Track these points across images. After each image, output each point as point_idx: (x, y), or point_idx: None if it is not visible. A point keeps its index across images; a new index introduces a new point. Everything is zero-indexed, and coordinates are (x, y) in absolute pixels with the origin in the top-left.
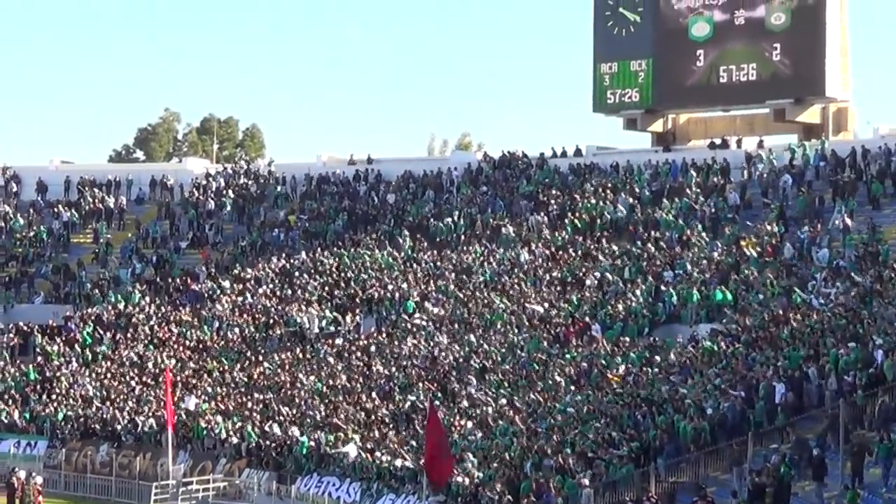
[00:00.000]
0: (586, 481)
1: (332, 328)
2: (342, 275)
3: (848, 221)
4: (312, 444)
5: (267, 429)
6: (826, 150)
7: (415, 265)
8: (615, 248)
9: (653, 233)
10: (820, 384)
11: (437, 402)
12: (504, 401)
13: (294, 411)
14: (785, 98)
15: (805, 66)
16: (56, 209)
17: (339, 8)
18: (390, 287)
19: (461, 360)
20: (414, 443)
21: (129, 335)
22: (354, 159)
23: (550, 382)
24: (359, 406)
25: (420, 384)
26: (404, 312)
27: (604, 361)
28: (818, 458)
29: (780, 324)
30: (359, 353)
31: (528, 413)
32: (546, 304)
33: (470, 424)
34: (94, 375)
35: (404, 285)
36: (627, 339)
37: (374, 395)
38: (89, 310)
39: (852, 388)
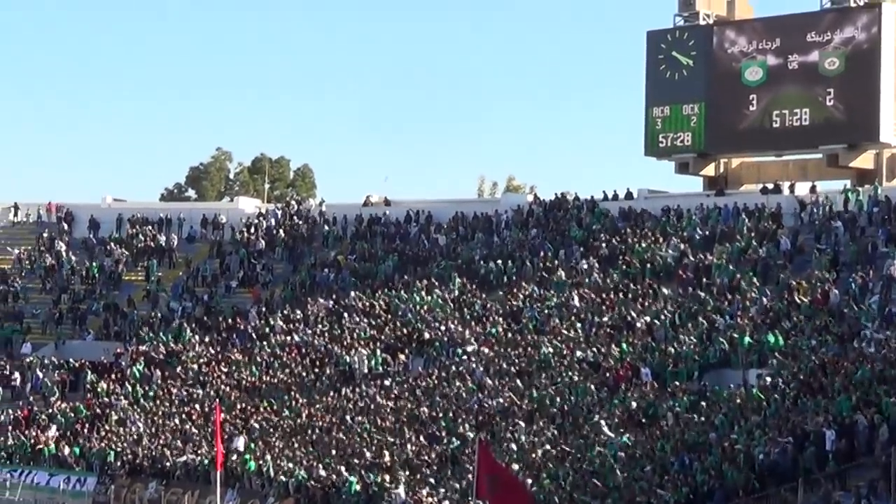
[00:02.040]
0: None
1: (380, 369)
2: (392, 316)
3: None
4: (360, 484)
5: (315, 468)
6: (879, 195)
7: (464, 307)
8: (665, 292)
9: (704, 278)
10: (871, 432)
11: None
12: (550, 445)
13: (342, 451)
14: (838, 143)
15: (859, 111)
16: (108, 247)
17: (393, 51)
18: (440, 329)
19: (509, 403)
20: (457, 485)
21: (178, 373)
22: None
23: (598, 426)
24: (406, 447)
25: (467, 426)
26: (453, 354)
27: (653, 406)
28: None
29: (831, 370)
30: (407, 394)
31: (576, 457)
32: (595, 349)
33: (516, 468)
34: (143, 412)
35: (453, 327)
36: (677, 383)
37: (421, 436)
38: (139, 347)
39: None
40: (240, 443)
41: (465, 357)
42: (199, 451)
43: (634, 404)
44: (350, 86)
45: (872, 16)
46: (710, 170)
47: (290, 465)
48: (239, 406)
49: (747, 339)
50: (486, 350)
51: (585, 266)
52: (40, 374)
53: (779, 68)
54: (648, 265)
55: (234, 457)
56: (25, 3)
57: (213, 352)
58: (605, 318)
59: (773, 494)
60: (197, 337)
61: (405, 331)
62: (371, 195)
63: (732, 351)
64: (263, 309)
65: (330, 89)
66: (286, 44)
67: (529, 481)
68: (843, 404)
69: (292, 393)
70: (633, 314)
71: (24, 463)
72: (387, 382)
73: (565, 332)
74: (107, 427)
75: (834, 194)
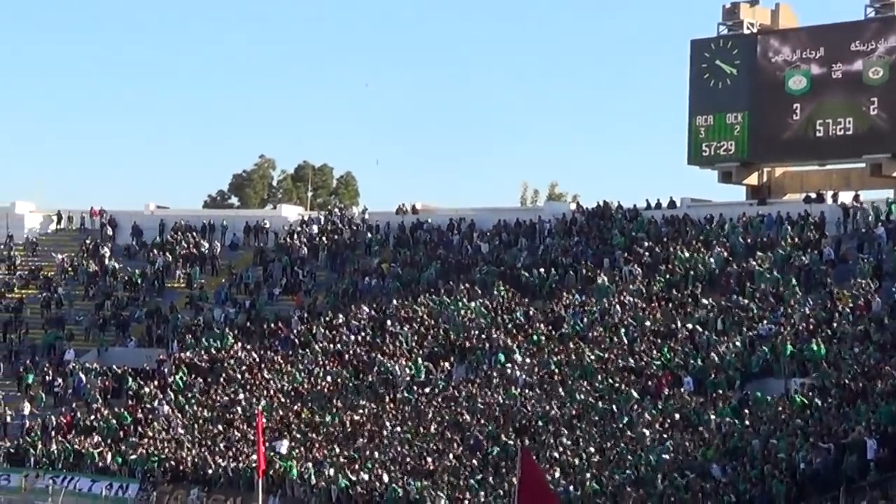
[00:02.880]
0: None
1: (422, 376)
2: (434, 323)
3: None
4: (402, 491)
5: (356, 475)
6: None
7: (506, 315)
8: (708, 300)
9: (747, 285)
10: None
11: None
12: (592, 449)
13: (384, 458)
14: (882, 153)
15: None
16: (151, 253)
17: (435, 58)
18: (482, 336)
19: (551, 410)
20: (501, 491)
21: (220, 380)
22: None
23: (640, 434)
24: (448, 454)
25: (509, 433)
26: (496, 362)
27: (694, 414)
28: None
29: (873, 378)
30: (449, 402)
31: (617, 464)
32: (637, 356)
33: (558, 474)
34: (185, 419)
35: (496, 334)
36: (719, 391)
37: (463, 443)
38: (182, 354)
39: None
40: (283, 446)
41: (507, 364)
42: (240, 458)
43: (676, 412)
44: (393, 93)
45: None
46: (753, 179)
47: (333, 471)
48: (281, 412)
49: (790, 347)
50: (528, 358)
51: (628, 274)
52: (83, 380)
53: (822, 77)
54: (691, 273)
55: (277, 464)
56: (72, 6)
57: (255, 358)
58: (648, 325)
59: (815, 503)
60: (239, 344)
61: (448, 338)
62: (403, 203)
63: (775, 359)
64: (306, 315)
65: (373, 97)
66: (330, 52)
67: (571, 488)
68: (885, 413)
69: (334, 400)
70: (676, 322)
71: (66, 469)
72: (428, 389)
73: (608, 339)
74: (149, 434)
75: (878, 203)
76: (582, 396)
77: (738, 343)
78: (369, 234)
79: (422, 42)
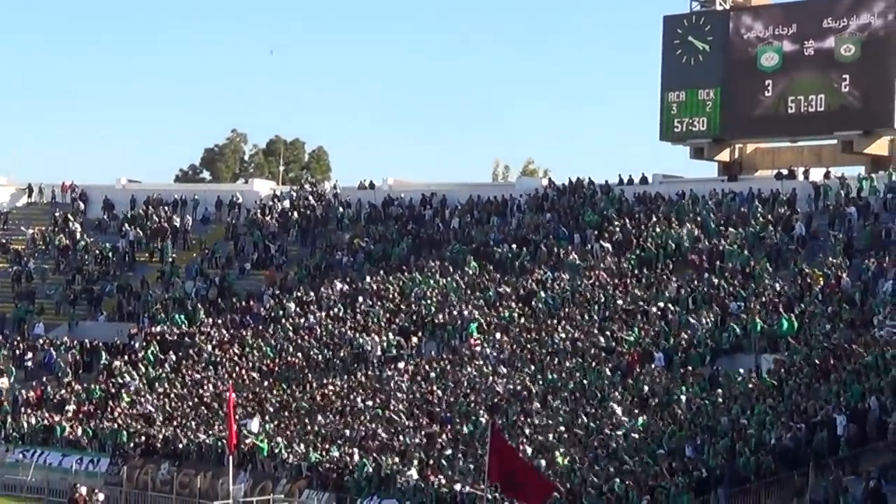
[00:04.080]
0: None
1: (393, 352)
2: (405, 299)
3: None
4: (373, 467)
5: (327, 451)
6: (894, 181)
7: (478, 291)
8: (679, 277)
9: (717, 262)
10: (882, 417)
11: (499, 429)
12: (563, 428)
13: (355, 434)
14: (853, 129)
15: (874, 97)
16: (122, 228)
17: (405, 34)
18: (454, 313)
19: (522, 386)
20: (470, 468)
21: (192, 354)
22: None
23: (611, 410)
24: (419, 430)
25: (480, 409)
26: (466, 338)
27: (665, 390)
28: (875, 490)
29: (843, 356)
30: (420, 379)
31: (588, 440)
32: (608, 333)
33: (529, 451)
34: (156, 394)
35: (467, 311)
36: (690, 367)
37: (434, 419)
38: (153, 329)
39: None
40: (254, 424)
41: (477, 340)
42: (211, 433)
43: (647, 388)
44: (366, 69)
45: (889, 2)
46: (724, 155)
47: (303, 447)
48: (252, 388)
49: (760, 324)
50: (499, 334)
51: (599, 250)
52: (54, 354)
53: (795, 54)
54: (662, 250)
55: (248, 439)
56: None
57: (226, 333)
58: (619, 303)
59: (785, 479)
60: (211, 319)
61: (419, 314)
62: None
63: (745, 336)
64: (277, 291)
65: (346, 72)
66: (302, 26)
67: (543, 462)
68: (855, 390)
69: (306, 375)
70: (647, 299)
71: (37, 443)
72: (400, 365)
73: (579, 316)
74: (120, 408)
75: (849, 180)
76: (553, 373)
77: (708, 320)
78: (341, 210)
79: (397, 18)
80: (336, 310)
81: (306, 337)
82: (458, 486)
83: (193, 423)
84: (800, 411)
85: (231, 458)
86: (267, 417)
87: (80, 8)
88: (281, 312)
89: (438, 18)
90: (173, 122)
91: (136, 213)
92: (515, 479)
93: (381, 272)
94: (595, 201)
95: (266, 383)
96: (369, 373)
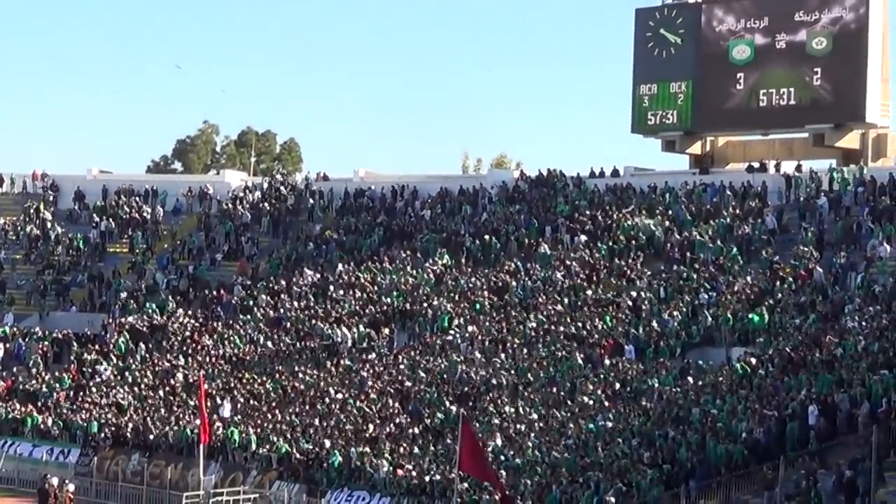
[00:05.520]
0: (612, 500)
1: (364, 343)
2: (377, 290)
3: (887, 247)
4: (343, 457)
5: (299, 442)
6: (865, 175)
7: (450, 282)
8: (650, 269)
9: (689, 254)
10: (852, 409)
11: (469, 419)
12: (535, 417)
13: (326, 425)
14: (824, 123)
15: (845, 91)
16: (93, 218)
17: (379, 26)
18: (424, 303)
19: (493, 377)
20: (443, 458)
21: (163, 345)
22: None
23: (582, 401)
24: (390, 421)
25: (451, 400)
26: (438, 329)
27: (636, 382)
28: (850, 481)
29: (814, 348)
30: (391, 369)
31: (559, 431)
32: (580, 324)
33: (500, 441)
34: (127, 384)
35: (438, 302)
36: (661, 359)
37: (405, 410)
38: (124, 319)
39: (886, 413)
40: (226, 410)
41: (449, 331)
42: (181, 424)
43: (618, 380)
44: (337, 60)
45: None
46: (696, 148)
47: (274, 437)
48: (223, 378)
49: (731, 316)
50: (470, 325)
51: (570, 242)
52: (24, 345)
53: (766, 47)
54: (633, 242)
55: (219, 428)
56: None
57: (197, 324)
58: (590, 294)
59: (755, 471)
60: (181, 309)
61: (390, 305)
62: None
63: (716, 328)
64: (248, 282)
65: (317, 64)
66: (274, 17)
67: (512, 454)
68: (826, 382)
69: (276, 366)
70: (618, 290)
71: (6, 434)
72: (371, 356)
73: (550, 307)
74: (90, 399)
75: (820, 173)
76: (524, 364)
77: (679, 312)
78: (312, 201)
79: (370, 10)
80: (307, 300)
81: (277, 327)
82: (427, 477)
83: (164, 412)
84: (771, 403)
85: (202, 448)
86: (237, 408)
87: None
88: (252, 303)
89: (412, 11)
90: (145, 112)
91: (107, 204)
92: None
93: (353, 263)
94: (566, 193)
95: (237, 373)
96: (340, 363)
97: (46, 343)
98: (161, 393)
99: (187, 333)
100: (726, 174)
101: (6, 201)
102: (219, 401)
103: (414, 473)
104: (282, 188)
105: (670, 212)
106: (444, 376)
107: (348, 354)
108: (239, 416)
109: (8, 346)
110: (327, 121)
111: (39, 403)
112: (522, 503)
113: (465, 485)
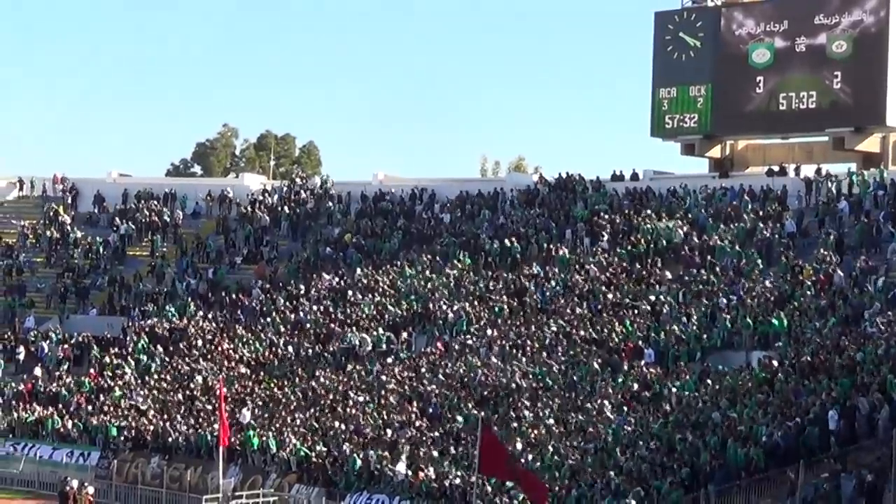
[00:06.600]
0: (632, 503)
1: (384, 347)
2: (395, 293)
3: None
4: (362, 461)
5: (318, 445)
6: (885, 179)
7: (469, 286)
8: (670, 273)
9: (708, 258)
10: (872, 413)
11: (490, 424)
12: (553, 421)
13: (346, 428)
14: (845, 126)
15: (866, 94)
16: (113, 221)
17: (398, 30)
18: (444, 307)
19: (513, 381)
20: (464, 462)
21: (182, 348)
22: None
23: (601, 405)
24: (409, 424)
25: (471, 404)
26: (457, 332)
27: (656, 385)
28: (871, 486)
29: (834, 352)
30: (411, 373)
31: (578, 435)
32: (599, 328)
33: (520, 445)
34: (147, 388)
35: (457, 305)
36: (681, 363)
37: (424, 413)
38: (144, 322)
39: None
40: (246, 415)
41: (468, 335)
42: (200, 427)
43: (637, 384)
44: (356, 64)
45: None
46: (715, 151)
47: (293, 441)
48: (242, 382)
49: (749, 321)
50: (490, 329)
51: (590, 245)
52: (45, 348)
53: (786, 51)
54: (653, 245)
55: (238, 428)
56: None
57: (216, 327)
58: (610, 298)
59: (775, 475)
60: (201, 312)
61: (410, 309)
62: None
63: (736, 332)
64: (268, 285)
65: (336, 68)
66: (294, 21)
67: (531, 457)
68: (846, 386)
69: (296, 369)
70: (638, 294)
71: (27, 437)
72: (390, 360)
73: (569, 311)
74: (110, 401)
75: (840, 176)
76: (543, 368)
77: (699, 316)
78: (331, 204)
79: (387, 13)
80: (326, 304)
81: (296, 331)
82: (447, 481)
83: (183, 416)
84: (791, 408)
85: (221, 452)
86: (257, 411)
87: (73, 1)
88: (271, 306)
89: (429, 14)
90: (165, 116)
91: (127, 207)
92: (509, 473)
93: (372, 266)
94: (586, 197)
95: (256, 377)
96: (359, 367)
97: (66, 346)
98: (180, 396)
99: (207, 337)
100: (746, 178)
101: (26, 205)
102: (238, 404)
103: (433, 477)
104: (301, 191)
105: (690, 215)
106: (464, 380)
107: (367, 358)
108: (258, 420)
109: (28, 348)
110: (346, 124)
111: (60, 406)
112: None
113: (489, 487)
